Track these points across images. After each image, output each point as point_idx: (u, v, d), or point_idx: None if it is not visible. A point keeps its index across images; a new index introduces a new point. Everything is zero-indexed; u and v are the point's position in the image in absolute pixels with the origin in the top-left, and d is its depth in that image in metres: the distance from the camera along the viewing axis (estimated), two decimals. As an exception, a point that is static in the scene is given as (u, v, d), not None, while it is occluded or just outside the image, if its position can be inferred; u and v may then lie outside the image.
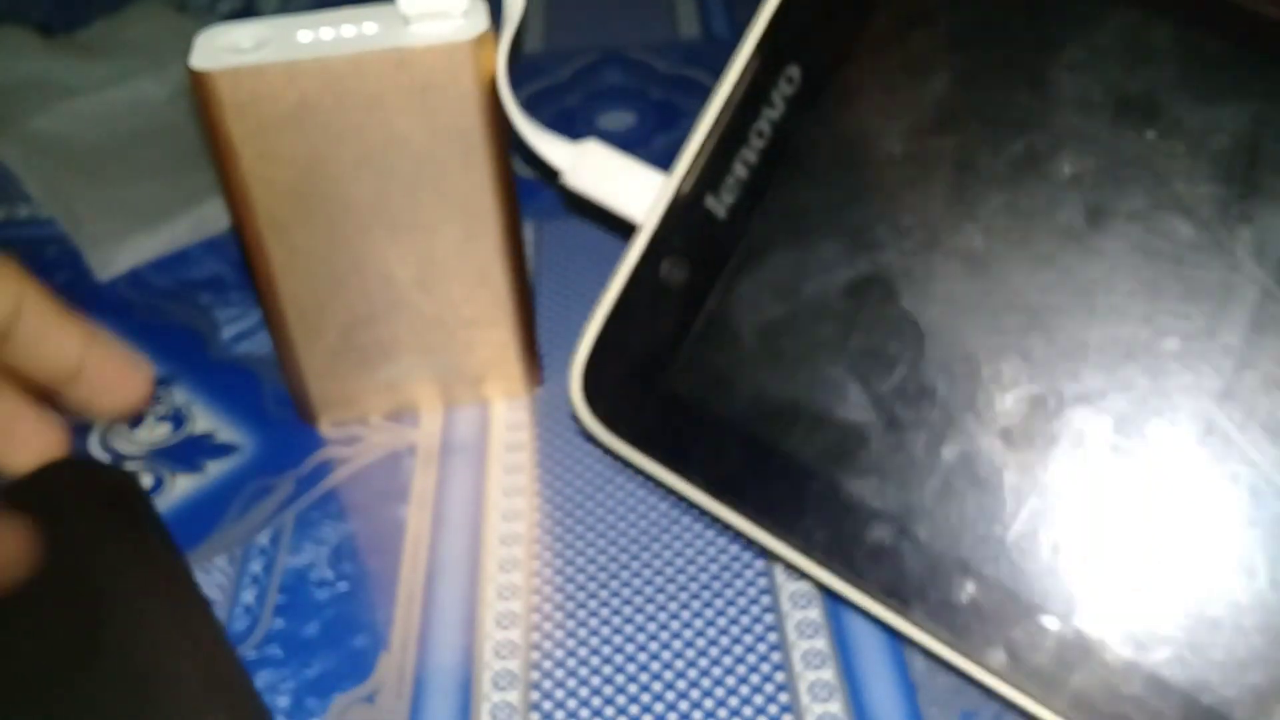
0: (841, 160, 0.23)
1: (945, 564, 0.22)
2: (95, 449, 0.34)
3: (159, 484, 0.32)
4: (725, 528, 0.27)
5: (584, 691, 0.26)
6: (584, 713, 0.26)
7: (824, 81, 0.23)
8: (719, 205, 0.23)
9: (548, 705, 0.26)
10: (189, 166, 0.43)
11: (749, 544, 0.27)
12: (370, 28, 0.28)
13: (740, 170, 0.23)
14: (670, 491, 0.24)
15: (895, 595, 0.22)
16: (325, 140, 0.28)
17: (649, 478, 0.24)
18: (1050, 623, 0.21)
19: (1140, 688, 0.20)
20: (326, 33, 0.28)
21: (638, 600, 0.28)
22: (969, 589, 0.22)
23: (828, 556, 0.22)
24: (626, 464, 0.24)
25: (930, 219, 0.22)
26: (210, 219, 0.41)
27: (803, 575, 0.24)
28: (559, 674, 0.27)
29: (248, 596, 0.29)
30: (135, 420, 0.34)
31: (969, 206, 0.22)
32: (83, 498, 0.29)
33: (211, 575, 0.30)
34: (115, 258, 0.40)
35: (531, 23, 0.54)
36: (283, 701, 0.27)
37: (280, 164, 0.29)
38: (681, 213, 0.23)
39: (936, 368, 0.22)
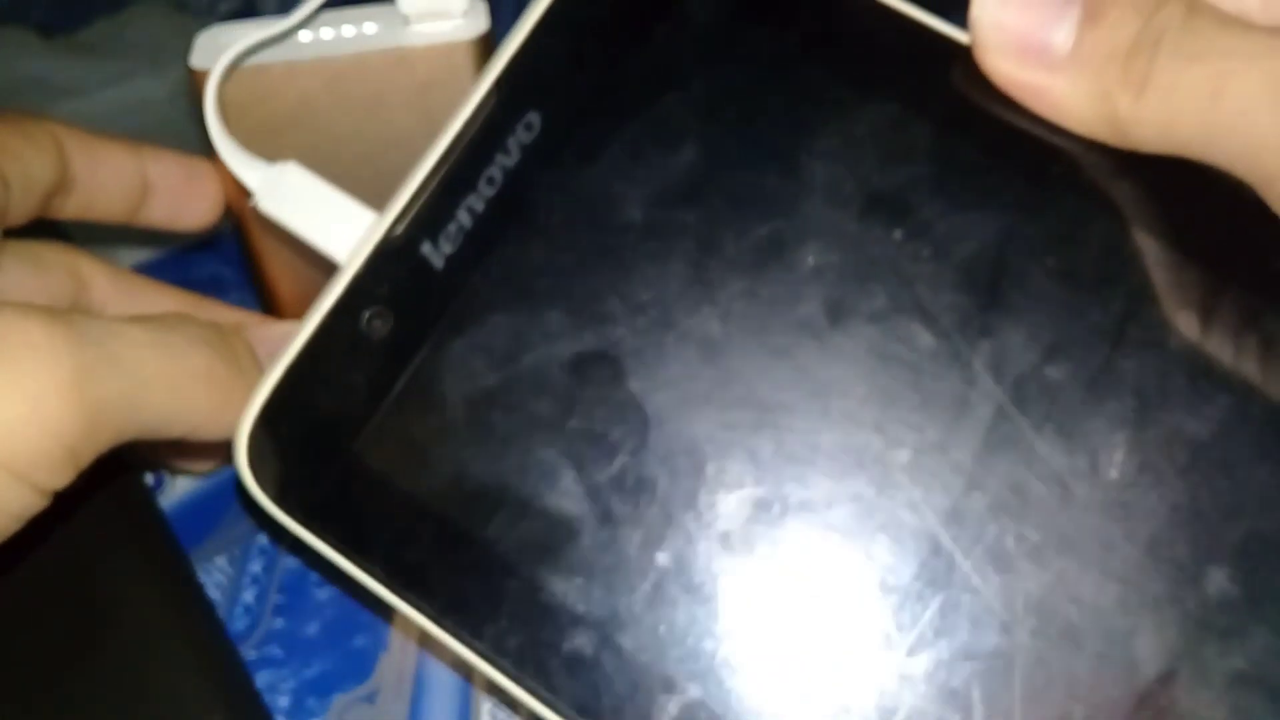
0: (577, 221, 0.21)
1: (649, 680, 0.19)
2: (95, 449, 0.33)
3: (160, 483, 0.32)
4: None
5: (584, 691, 0.26)
6: (584, 712, 0.26)
7: (566, 134, 0.21)
8: (436, 255, 0.20)
9: (548, 705, 0.26)
10: (189, 166, 0.43)
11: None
12: (370, 27, 0.28)
13: (464, 218, 0.20)
14: (350, 583, 0.20)
15: (589, 713, 0.19)
16: (325, 139, 0.28)
17: (326, 565, 0.20)
18: None
19: None
20: (326, 32, 0.28)
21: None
22: (671, 710, 0.19)
23: (518, 666, 0.19)
24: (299, 545, 0.21)
25: (666, 297, 0.20)
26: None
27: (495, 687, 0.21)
28: (559, 674, 0.27)
29: (248, 596, 0.29)
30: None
31: (708, 288, 0.20)
32: (85, 495, 0.29)
33: (211, 575, 0.30)
34: (115, 257, 0.40)
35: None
36: (283, 701, 0.27)
37: (275, 156, 0.29)
38: (391, 258, 0.20)
39: (659, 459, 0.20)
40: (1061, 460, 0.19)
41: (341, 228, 0.22)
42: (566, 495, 0.20)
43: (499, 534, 0.20)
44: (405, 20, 0.28)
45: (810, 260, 0.20)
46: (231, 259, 0.40)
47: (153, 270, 0.40)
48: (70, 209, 0.28)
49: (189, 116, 0.46)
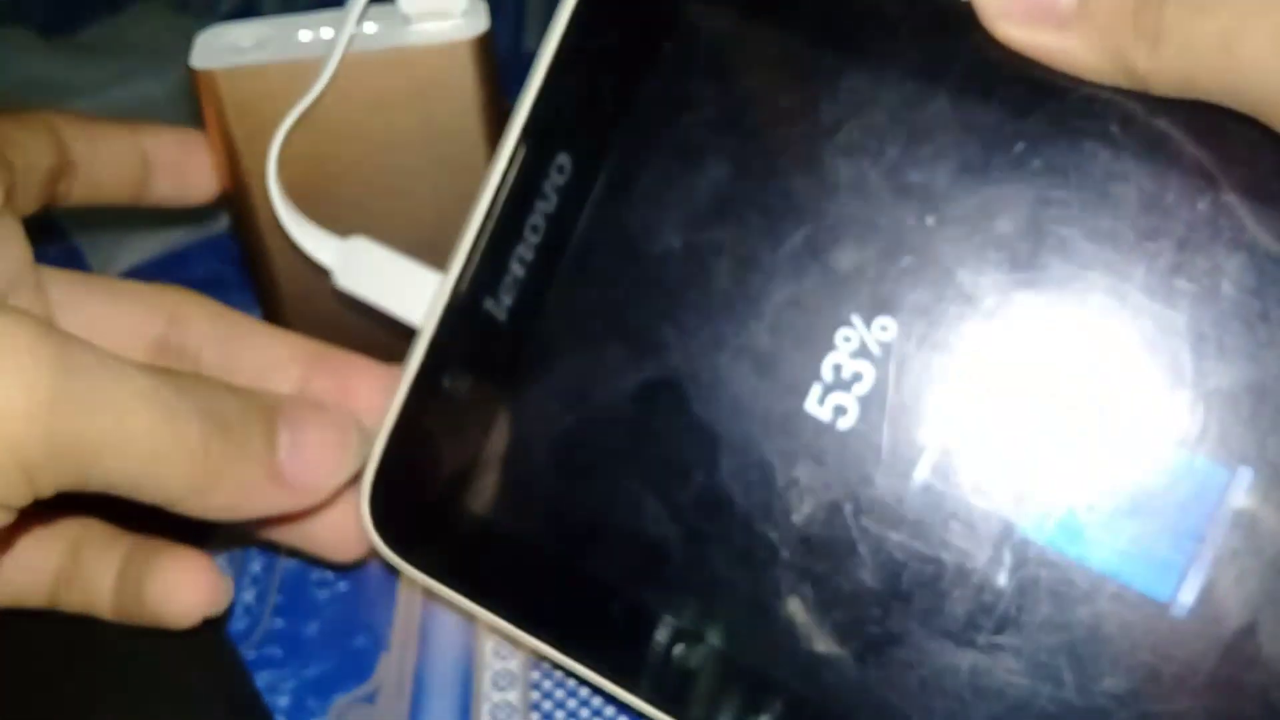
0: (620, 254, 0.21)
1: (755, 682, 0.20)
2: (95, 449, 0.33)
3: (159, 484, 0.32)
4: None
5: (584, 691, 0.26)
6: (584, 712, 0.26)
7: (595, 170, 0.21)
8: (498, 309, 0.21)
9: (547, 705, 0.26)
10: (189, 166, 0.43)
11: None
12: (370, 27, 0.28)
13: (517, 269, 0.21)
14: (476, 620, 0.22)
15: (704, 718, 0.20)
16: (325, 139, 0.28)
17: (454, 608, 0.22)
18: None
19: None
20: (326, 32, 0.28)
21: (638, 600, 0.28)
22: (777, 708, 0.20)
23: (634, 681, 0.21)
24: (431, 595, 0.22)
25: (713, 317, 0.20)
26: (210, 218, 0.41)
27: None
28: (558, 673, 0.27)
29: (248, 596, 0.29)
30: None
31: (752, 303, 0.21)
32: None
33: (211, 575, 0.30)
34: (116, 257, 0.40)
35: (531, 23, 0.54)
36: (283, 702, 0.27)
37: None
38: (460, 318, 0.21)
39: (731, 476, 0.20)
40: None
41: (414, 293, 0.23)
42: (653, 520, 0.21)
43: (598, 564, 0.21)
44: (405, 20, 0.28)
45: (847, 260, 0.20)
46: (231, 258, 0.40)
47: (153, 269, 0.40)
48: (77, 193, 0.28)
49: (190, 117, 0.46)
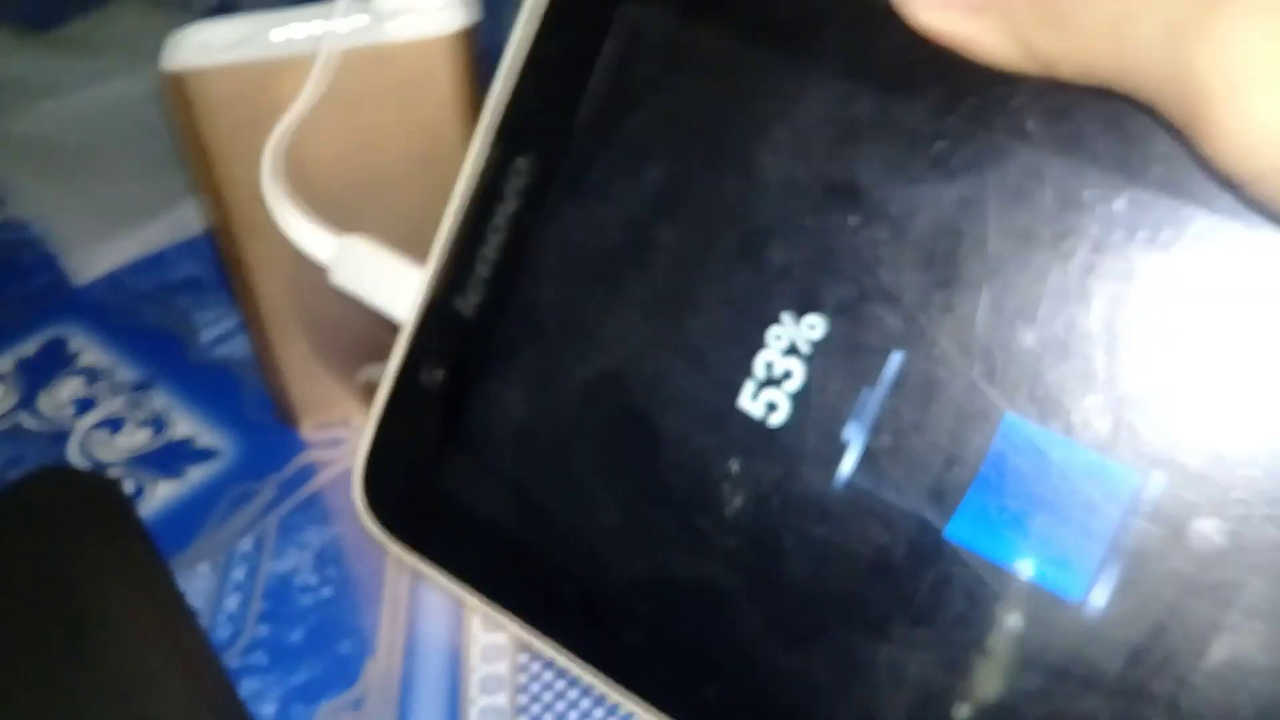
0: (571, 254, 0.22)
1: (694, 660, 0.21)
2: (75, 456, 0.33)
3: (140, 491, 0.32)
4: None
5: (571, 694, 0.26)
6: (572, 715, 0.26)
7: (550, 172, 0.22)
8: (467, 305, 0.22)
9: (535, 708, 0.26)
10: (166, 167, 0.43)
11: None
12: (347, 24, 0.28)
13: (482, 269, 0.22)
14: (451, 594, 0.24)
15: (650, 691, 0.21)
16: (305, 135, 0.28)
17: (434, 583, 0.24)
18: None
19: None
20: (301, 30, 0.28)
21: (626, 601, 0.28)
22: (713, 689, 0.21)
23: (585, 655, 0.22)
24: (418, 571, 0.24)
25: (654, 314, 0.21)
26: (188, 220, 0.41)
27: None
28: (546, 676, 0.27)
29: (231, 604, 0.29)
30: (115, 425, 0.34)
31: (690, 300, 0.21)
32: (66, 504, 0.29)
33: (194, 583, 0.29)
34: (93, 261, 0.40)
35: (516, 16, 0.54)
36: (268, 710, 0.27)
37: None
38: (435, 315, 0.23)
39: (670, 467, 0.21)
40: None
41: (404, 291, 0.24)
42: (600, 507, 0.22)
43: (556, 547, 0.22)
44: (383, 16, 0.28)
45: (777, 258, 0.21)
46: (209, 260, 0.40)
47: (130, 273, 0.40)
48: None
49: (164, 117, 0.46)
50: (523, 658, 0.27)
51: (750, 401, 0.21)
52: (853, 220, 0.20)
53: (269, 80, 0.27)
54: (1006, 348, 0.20)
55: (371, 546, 0.30)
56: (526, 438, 0.22)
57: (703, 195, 0.21)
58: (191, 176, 0.29)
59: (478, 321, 0.22)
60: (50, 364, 0.37)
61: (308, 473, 0.32)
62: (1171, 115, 0.21)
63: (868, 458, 0.20)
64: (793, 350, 0.21)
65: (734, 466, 0.21)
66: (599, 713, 0.26)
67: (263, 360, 0.32)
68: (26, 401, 0.35)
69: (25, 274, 0.40)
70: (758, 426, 0.21)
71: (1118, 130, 0.20)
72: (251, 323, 0.31)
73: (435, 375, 0.23)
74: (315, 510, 0.31)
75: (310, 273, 0.30)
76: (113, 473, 0.32)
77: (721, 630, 0.21)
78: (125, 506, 0.30)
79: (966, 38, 0.22)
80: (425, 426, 0.23)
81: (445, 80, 0.28)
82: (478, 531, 0.23)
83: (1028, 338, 0.20)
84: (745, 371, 0.21)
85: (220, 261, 0.31)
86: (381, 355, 0.32)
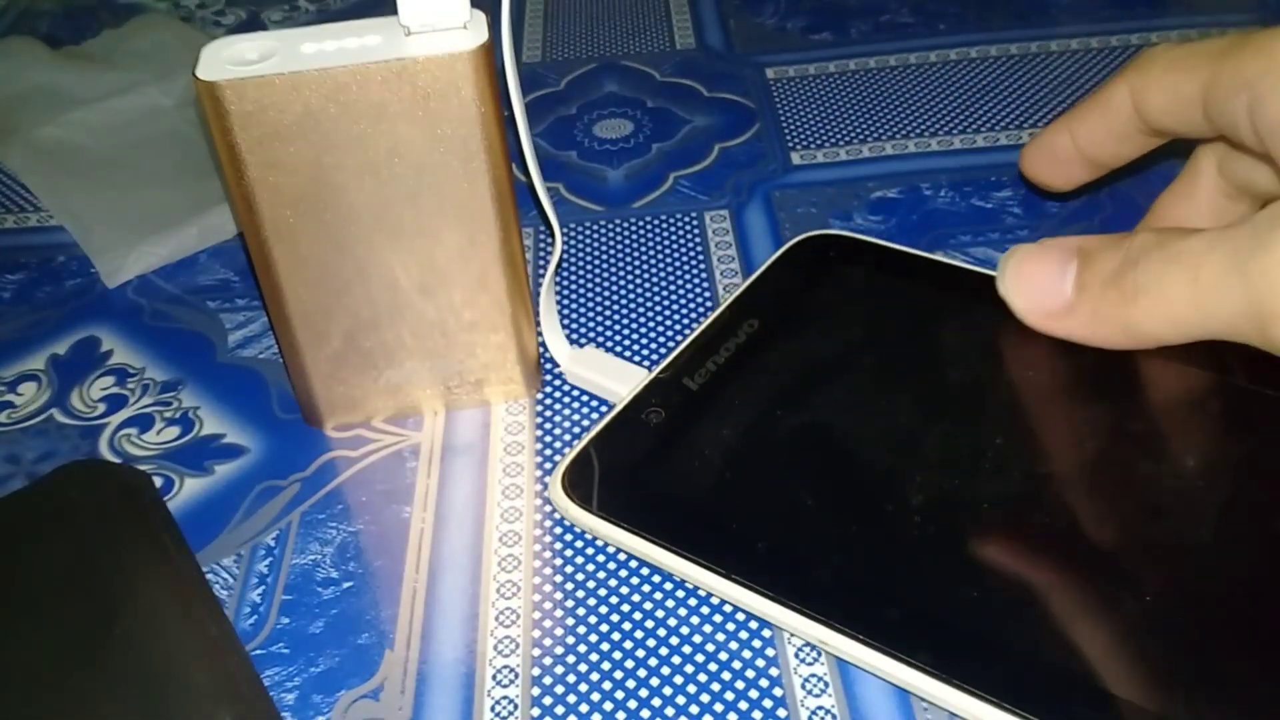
0: (769, 373, 0.33)
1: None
2: (106, 452, 0.34)
3: (169, 485, 0.33)
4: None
5: (584, 686, 0.27)
6: (584, 707, 0.27)
7: (769, 330, 0.34)
8: (693, 382, 0.33)
9: (548, 700, 0.27)
10: (196, 175, 0.44)
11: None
12: (372, 39, 0.29)
13: (711, 366, 0.33)
14: (635, 556, 0.30)
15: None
16: (329, 149, 0.29)
17: (621, 549, 0.30)
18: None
19: None
20: (330, 44, 0.29)
21: (635, 597, 0.29)
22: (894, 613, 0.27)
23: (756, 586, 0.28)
24: (604, 543, 0.30)
25: (812, 407, 0.32)
26: (217, 226, 0.42)
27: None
28: (560, 669, 0.27)
29: (255, 595, 0.30)
30: (145, 423, 0.35)
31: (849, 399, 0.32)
32: (99, 496, 0.30)
33: (219, 575, 0.30)
34: (124, 265, 0.41)
35: (530, 33, 0.55)
36: (289, 698, 0.27)
37: (285, 172, 0.29)
38: (665, 383, 0.33)
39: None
40: None
41: (620, 380, 0.34)
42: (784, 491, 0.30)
43: (734, 513, 0.29)
44: (406, 32, 0.29)
45: (908, 418, 0.31)
46: (238, 266, 0.41)
47: (161, 277, 0.41)
48: None
49: (195, 125, 0.47)
50: (536, 650, 0.28)
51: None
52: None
53: (299, 92, 0.28)
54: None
55: (390, 542, 0.31)
56: (718, 461, 0.30)
57: (855, 372, 0.33)
58: (223, 183, 0.30)
59: (699, 391, 0.32)
60: (82, 363, 0.38)
61: (330, 470, 0.33)
62: (1249, 338, 0.26)
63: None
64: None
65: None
66: (609, 705, 0.26)
67: (288, 362, 0.33)
68: (59, 399, 0.36)
69: (58, 277, 0.41)
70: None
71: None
72: (278, 326, 0.32)
73: (655, 416, 0.32)
74: (337, 506, 0.32)
75: (335, 280, 0.31)
76: (143, 468, 0.33)
77: (896, 554, 0.27)
78: (155, 499, 0.31)
79: (1069, 333, 0.29)
80: (636, 446, 0.31)
81: (468, 94, 0.29)
82: (679, 506, 0.29)
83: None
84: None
85: (249, 266, 0.32)
86: (402, 357, 0.33)
